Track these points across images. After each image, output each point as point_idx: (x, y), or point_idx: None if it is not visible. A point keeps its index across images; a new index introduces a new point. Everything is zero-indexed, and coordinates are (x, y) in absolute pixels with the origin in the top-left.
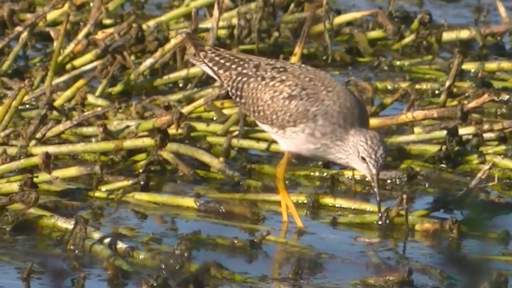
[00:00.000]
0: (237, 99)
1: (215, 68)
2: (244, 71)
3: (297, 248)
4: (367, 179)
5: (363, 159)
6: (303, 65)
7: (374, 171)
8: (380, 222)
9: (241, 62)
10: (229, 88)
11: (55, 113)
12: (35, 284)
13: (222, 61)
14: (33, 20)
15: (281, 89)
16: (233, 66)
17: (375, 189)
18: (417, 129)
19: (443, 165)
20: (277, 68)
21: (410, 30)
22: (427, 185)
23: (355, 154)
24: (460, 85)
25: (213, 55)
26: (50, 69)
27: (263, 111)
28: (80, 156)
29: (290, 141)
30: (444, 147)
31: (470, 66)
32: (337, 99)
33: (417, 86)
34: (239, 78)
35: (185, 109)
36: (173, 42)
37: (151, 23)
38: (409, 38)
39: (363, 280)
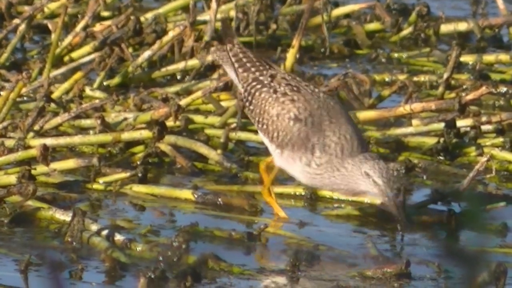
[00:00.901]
0: (247, 104)
1: (236, 65)
2: (261, 77)
3: (294, 240)
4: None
5: (376, 183)
6: (316, 90)
7: (390, 194)
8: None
9: (260, 68)
10: (242, 90)
11: (53, 105)
12: (33, 276)
13: (244, 59)
14: (31, 13)
15: (289, 108)
16: (253, 69)
17: (395, 212)
18: (415, 121)
19: (441, 157)
20: (291, 86)
21: (408, 23)
22: (425, 177)
23: (367, 180)
24: (458, 78)
25: (238, 50)
26: (48, 61)
27: (267, 125)
28: (78, 148)
29: (287, 165)
30: (442, 139)
31: (468, 59)
32: (338, 130)
33: (415, 79)
34: (254, 83)
35: (183, 102)
36: (171, 34)
37: (149, 15)
38: (407, 31)
39: (360, 272)
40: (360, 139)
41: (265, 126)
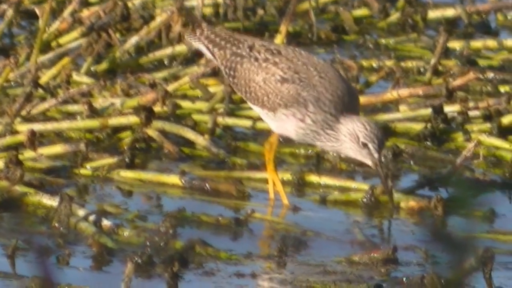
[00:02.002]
0: (230, 79)
1: (210, 46)
2: (239, 51)
3: (282, 225)
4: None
5: (365, 145)
6: (296, 49)
7: (376, 155)
8: (394, 215)
9: (236, 42)
10: (222, 67)
11: (40, 90)
12: (20, 261)
13: (217, 39)
14: None
15: (274, 71)
16: (228, 46)
17: (381, 175)
18: (402, 107)
19: (428, 143)
20: (271, 50)
21: (396, 8)
22: (412, 163)
23: (355, 141)
24: (446, 63)
25: (209, 32)
26: (35, 46)
27: (255, 92)
28: (65, 134)
29: (280, 123)
30: (429, 125)
31: (455, 44)
32: (330, 86)
33: (403, 64)
34: (233, 57)
35: (170, 87)
36: (158, 19)
37: (137, 1)
38: (394, 16)
39: (347, 258)
40: (350, 94)
41: (253, 94)
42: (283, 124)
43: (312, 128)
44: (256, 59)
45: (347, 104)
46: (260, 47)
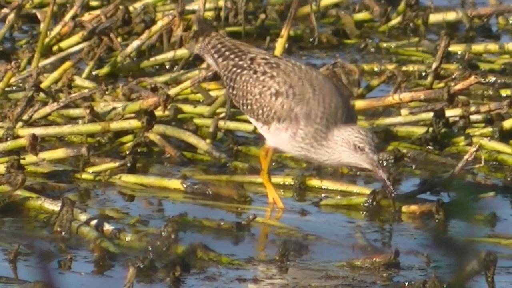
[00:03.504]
0: (230, 90)
1: (215, 56)
2: (240, 62)
3: (283, 229)
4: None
5: (362, 149)
6: (297, 63)
7: (375, 157)
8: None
9: (239, 53)
10: (224, 78)
11: (41, 95)
12: (22, 266)
13: (223, 49)
14: (20, 2)
15: (270, 84)
16: (232, 56)
17: (383, 177)
18: (403, 111)
19: (429, 147)
20: (270, 64)
21: (397, 12)
22: (413, 167)
23: (351, 148)
24: (447, 67)
25: (216, 42)
26: (36, 51)
27: (251, 105)
28: (67, 138)
29: (275, 138)
30: (431, 129)
31: (456, 48)
32: (322, 100)
33: (404, 68)
34: (234, 69)
35: (172, 91)
36: (159, 24)
37: (138, 5)
38: (395, 20)
39: (349, 262)
40: (345, 108)
41: (249, 107)
42: (277, 138)
43: (306, 141)
44: (255, 72)
45: (341, 116)
46: (261, 60)
